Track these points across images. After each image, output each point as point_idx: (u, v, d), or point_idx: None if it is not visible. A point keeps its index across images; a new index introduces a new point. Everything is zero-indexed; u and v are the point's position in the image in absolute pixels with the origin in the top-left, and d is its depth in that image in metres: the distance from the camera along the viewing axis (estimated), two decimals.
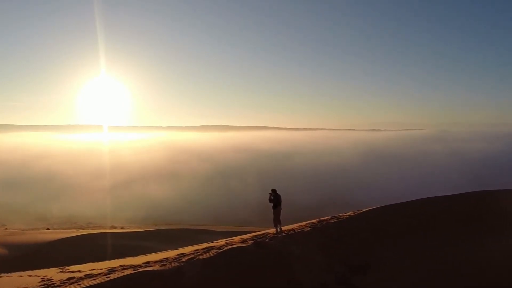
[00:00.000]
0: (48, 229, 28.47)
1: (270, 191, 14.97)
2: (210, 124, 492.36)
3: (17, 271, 14.64)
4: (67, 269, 13.31)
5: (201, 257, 12.15)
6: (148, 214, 67.58)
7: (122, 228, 46.09)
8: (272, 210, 15.01)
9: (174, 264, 11.58)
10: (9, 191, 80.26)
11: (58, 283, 11.13)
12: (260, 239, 13.73)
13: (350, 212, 16.28)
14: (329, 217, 16.04)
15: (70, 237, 19.57)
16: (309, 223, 15.79)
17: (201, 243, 16.72)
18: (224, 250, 12.28)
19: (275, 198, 14.91)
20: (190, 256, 12.50)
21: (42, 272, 13.01)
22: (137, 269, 11.40)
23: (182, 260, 12.03)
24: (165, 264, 11.78)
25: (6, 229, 40.82)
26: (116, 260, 15.20)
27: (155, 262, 12.38)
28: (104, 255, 19.29)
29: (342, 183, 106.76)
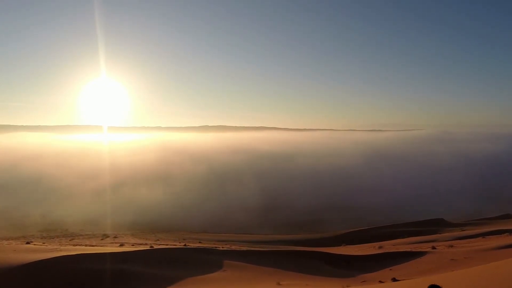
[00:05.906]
0: (28, 243, 26.24)
1: None
2: (209, 125, 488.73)
3: None
4: None
5: None
6: (144, 219, 65.64)
7: (115, 237, 43.94)
8: None
9: None
10: (2, 194, 78.32)
11: None
12: None
13: None
14: None
15: (35, 261, 16.37)
16: None
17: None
18: None
19: None
20: None
21: None
22: None
23: None
24: None
25: None
26: None
27: None
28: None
29: (344, 185, 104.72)
